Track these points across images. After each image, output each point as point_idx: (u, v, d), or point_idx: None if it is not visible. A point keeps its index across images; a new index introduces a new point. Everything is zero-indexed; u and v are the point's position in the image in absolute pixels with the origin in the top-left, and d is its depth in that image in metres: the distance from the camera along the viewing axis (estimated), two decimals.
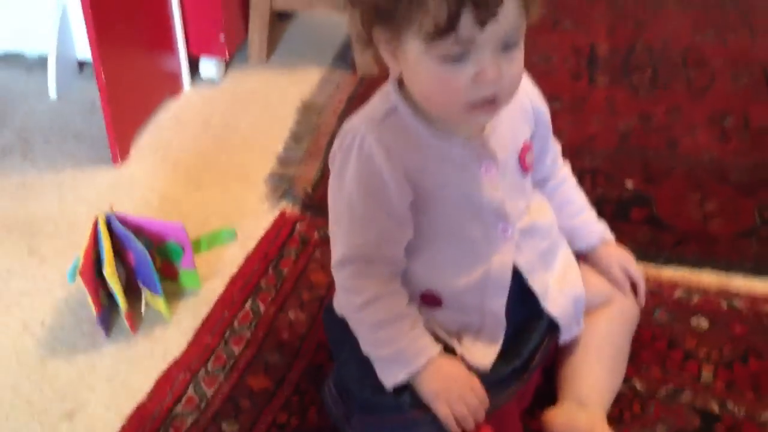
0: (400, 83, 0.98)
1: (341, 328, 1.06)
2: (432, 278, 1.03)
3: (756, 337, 1.23)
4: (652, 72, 1.91)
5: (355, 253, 0.99)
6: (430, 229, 1.00)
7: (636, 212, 1.49)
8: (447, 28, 0.84)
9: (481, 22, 0.84)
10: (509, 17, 0.86)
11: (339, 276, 1.02)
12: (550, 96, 1.11)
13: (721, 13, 2.14)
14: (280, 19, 2.08)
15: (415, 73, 0.91)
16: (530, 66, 0.95)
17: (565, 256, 1.12)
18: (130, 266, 1.29)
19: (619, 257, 1.16)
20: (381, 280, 0.99)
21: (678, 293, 1.31)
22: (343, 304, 1.05)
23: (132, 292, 1.29)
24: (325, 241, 1.41)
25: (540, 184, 1.14)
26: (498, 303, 1.04)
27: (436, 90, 0.91)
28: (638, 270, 1.16)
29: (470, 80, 0.88)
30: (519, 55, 0.91)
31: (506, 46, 0.88)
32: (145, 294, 1.28)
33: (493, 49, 0.87)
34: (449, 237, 1.01)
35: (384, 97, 0.99)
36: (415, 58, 0.89)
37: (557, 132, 1.15)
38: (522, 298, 1.05)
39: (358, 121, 0.99)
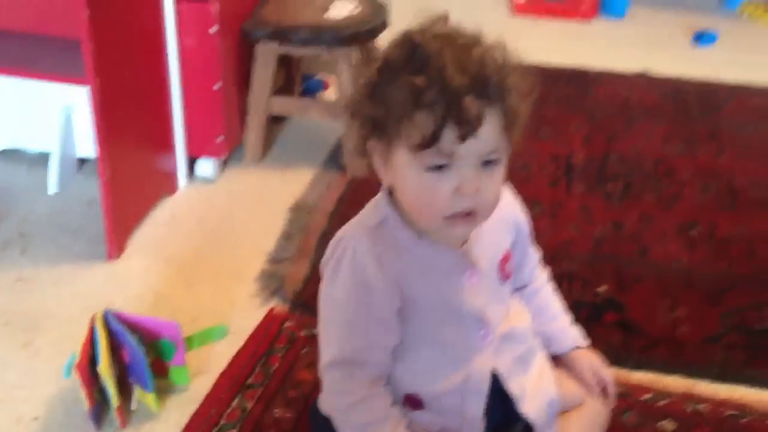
0: (391, 194, 1.06)
1: (327, 426, 1.11)
2: (414, 381, 1.09)
3: None
4: (624, 182, 2.02)
5: (344, 356, 1.05)
6: (414, 335, 1.06)
7: (608, 316, 1.57)
8: (431, 140, 0.93)
9: (462, 138, 0.93)
10: (489, 136, 0.95)
11: (327, 377, 1.07)
12: (530, 201, 1.19)
13: (691, 128, 2.26)
14: (275, 121, 2.18)
15: (402, 181, 1.00)
16: (511, 173, 1.03)
17: (540, 360, 1.18)
18: (124, 362, 1.34)
19: (591, 362, 1.22)
20: (367, 382, 1.05)
21: (646, 396, 1.38)
22: (329, 404, 1.10)
23: (123, 387, 1.34)
24: (312, 340, 1.48)
25: (519, 289, 1.21)
26: (477, 407, 1.09)
27: (420, 198, 0.98)
28: (609, 375, 1.22)
29: (451, 192, 0.96)
30: (499, 172, 0.99)
31: (487, 163, 0.97)
32: (137, 390, 1.33)
33: (473, 165, 0.95)
34: (432, 342, 1.07)
35: (375, 207, 1.07)
36: (402, 167, 0.98)
37: (536, 235, 1.23)
38: (500, 401, 1.11)
39: (351, 229, 1.07)
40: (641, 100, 2.42)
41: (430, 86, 0.93)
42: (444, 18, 1.00)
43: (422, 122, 0.93)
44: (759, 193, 1.97)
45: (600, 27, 3.00)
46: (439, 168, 0.95)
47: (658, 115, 2.33)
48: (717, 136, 2.22)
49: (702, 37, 2.82)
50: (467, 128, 0.93)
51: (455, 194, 0.96)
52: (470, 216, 0.98)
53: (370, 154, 1.02)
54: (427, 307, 1.06)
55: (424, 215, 1.00)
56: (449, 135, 0.93)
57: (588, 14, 3.02)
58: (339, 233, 1.08)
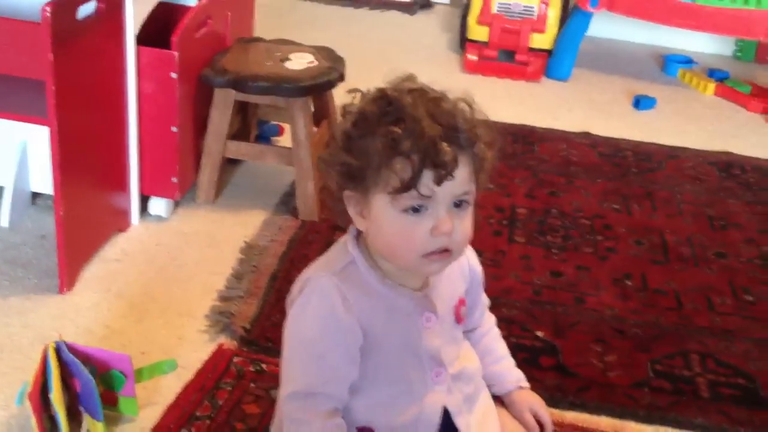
0: (357, 238, 1.13)
1: None
2: (369, 415, 1.14)
3: None
4: (564, 234, 2.11)
5: (306, 388, 1.10)
6: (372, 371, 1.12)
7: (545, 360, 1.64)
8: (410, 184, 1.01)
9: (439, 180, 1.01)
10: (462, 179, 1.03)
11: (287, 408, 1.11)
12: (474, 249, 1.27)
13: (627, 186, 2.37)
14: (229, 164, 2.23)
15: (379, 225, 1.06)
16: (474, 224, 1.11)
17: (485, 399, 1.25)
18: (75, 392, 1.36)
19: (531, 402, 1.29)
20: (325, 413, 1.09)
21: None
22: None
23: (73, 416, 1.36)
24: (260, 376, 1.52)
25: (469, 332, 1.28)
26: None
27: (397, 240, 1.05)
28: (547, 414, 1.29)
29: (428, 232, 1.03)
30: (470, 214, 1.08)
31: (458, 204, 1.05)
32: (86, 419, 1.35)
33: (447, 206, 1.03)
34: (389, 379, 1.13)
35: (343, 249, 1.14)
36: (379, 212, 1.05)
37: None
38: None
39: (319, 269, 1.13)
40: (582, 158, 2.53)
41: (407, 135, 1.01)
42: (411, 77, 1.09)
43: (400, 168, 1.01)
44: (688, 250, 2.07)
45: (545, 88, 3.12)
46: (415, 210, 1.03)
47: (598, 173, 2.44)
48: (652, 195, 2.33)
49: (641, 102, 2.96)
50: (444, 171, 1.01)
51: (431, 234, 1.03)
52: (445, 253, 1.06)
53: (345, 203, 1.09)
54: (388, 345, 1.12)
55: (401, 255, 1.07)
56: (427, 178, 1.01)
57: (534, 75, 3.16)
58: (306, 272, 1.13)
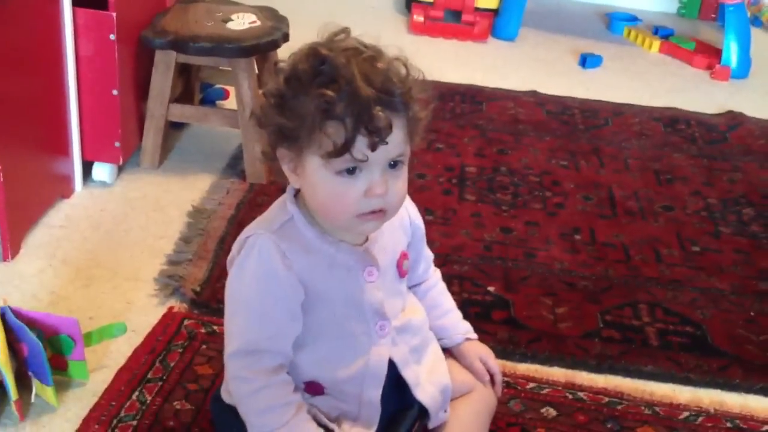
0: (296, 195, 1.11)
1: (229, 415, 1.15)
2: (316, 369, 1.14)
3: (596, 425, 1.39)
4: (513, 191, 2.12)
5: (248, 346, 1.09)
6: (316, 326, 1.12)
7: (497, 314, 1.65)
8: (343, 149, 0.99)
9: (373, 146, 1.00)
10: (396, 142, 1.02)
11: (231, 366, 1.11)
12: (424, 209, 1.27)
13: (574, 143, 2.39)
14: (174, 127, 2.19)
15: (313, 185, 1.05)
16: (408, 182, 1.10)
17: (434, 350, 1.25)
18: (22, 357, 1.33)
19: (480, 352, 1.30)
20: (269, 370, 1.09)
21: (531, 386, 1.46)
22: (233, 391, 1.13)
23: (22, 381, 1.33)
24: (211, 337, 1.50)
25: (414, 287, 1.28)
26: (374, 393, 1.15)
27: (331, 201, 1.04)
28: (496, 363, 1.30)
29: (362, 194, 1.03)
30: (404, 173, 1.06)
31: (393, 165, 1.04)
32: (35, 384, 1.32)
33: (381, 168, 1.02)
34: (333, 333, 1.13)
35: (281, 206, 1.13)
36: (313, 173, 1.04)
37: (430, 241, 1.30)
38: (396, 388, 1.17)
39: (257, 227, 1.12)
40: (530, 116, 2.54)
41: (341, 98, 0.99)
42: (346, 32, 1.06)
43: (334, 132, 0.99)
44: (635, 204, 2.10)
45: (492, 48, 3.12)
46: (350, 172, 1.02)
47: (545, 130, 2.45)
48: (599, 151, 2.35)
49: (587, 60, 2.98)
50: (378, 137, 0.99)
51: (366, 195, 1.03)
52: (380, 213, 1.05)
53: (279, 160, 1.08)
54: (330, 301, 1.11)
55: (335, 215, 1.06)
56: (361, 143, 0.99)
57: (481, 36, 3.15)
58: (245, 231, 1.12)
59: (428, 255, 1.30)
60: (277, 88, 1.05)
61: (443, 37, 3.14)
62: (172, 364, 1.44)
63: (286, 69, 1.05)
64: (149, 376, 1.41)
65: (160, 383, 1.39)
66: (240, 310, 1.11)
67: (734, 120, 2.60)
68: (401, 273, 1.19)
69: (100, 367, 1.43)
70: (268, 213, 1.14)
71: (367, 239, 1.13)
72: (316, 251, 1.09)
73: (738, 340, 1.63)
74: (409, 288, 1.26)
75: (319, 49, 1.03)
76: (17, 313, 1.33)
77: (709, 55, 3.04)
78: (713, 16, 3.47)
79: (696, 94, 2.82)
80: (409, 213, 1.22)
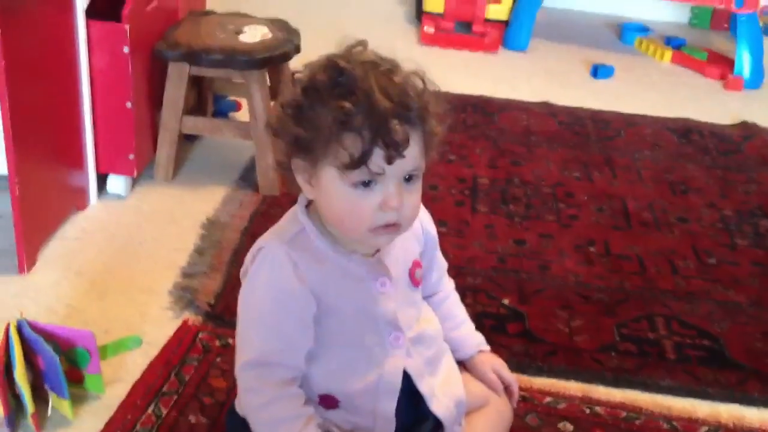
0: (308, 206, 1.11)
1: (244, 428, 1.14)
2: (329, 382, 1.13)
3: None
4: (526, 203, 2.11)
5: (260, 358, 1.09)
6: (329, 338, 1.11)
7: (511, 327, 1.64)
8: (359, 162, 0.99)
9: (389, 160, 1.00)
10: (412, 156, 1.02)
11: (243, 378, 1.11)
12: (437, 221, 1.26)
13: (587, 154, 2.38)
14: (187, 140, 2.19)
15: (328, 197, 1.05)
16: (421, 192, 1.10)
17: (448, 362, 1.24)
18: (39, 370, 1.33)
19: (494, 363, 1.29)
20: (280, 383, 1.09)
21: (547, 400, 1.45)
22: (244, 404, 1.13)
23: (38, 394, 1.33)
24: (226, 350, 1.50)
25: (428, 297, 1.27)
26: (389, 406, 1.14)
27: (346, 213, 1.04)
28: (511, 374, 1.29)
29: (376, 207, 1.02)
30: (419, 187, 1.06)
31: (408, 179, 1.04)
32: (52, 397, 1.33)
33: (397, 181, 1.02)
34: (346, 345, 1.12)
35: (293, 217, 1.12)
36: (328, 184, 1.04)
37: (443, 253, 1.29)
38: (410, 400, 1.16)
39: (269, 238, 1.11)
40: (542, 127, 2.53)
41: (358, 110, 0.98)
42: (363, 44, 1.06)
43: (351, 144, 0.99)
44: (650, 215, 2.09)
45: (503, 59, 3.12)
46: (365, 184, 1.02)
47: (558, 142, 2.45)
48: (611, 162, 2.35)
49: (599, 70, 2.98)
50: (395, 150, 0.99)
51: (380, 208, 1.02)
52: (394, 227, 1.05)
53: (293, 171, 1.07)
54: (343, 312, 1.11)
55: (349, 228, 1.06)
56: (377, 156, 0.99)
57: (492, 46, 3.15)
58: (258, 242, 1.12)
59: (442, 263, 1.29)
60: (294, 99, 1.04)
61: (454, 48, 3.15)
62: (187, 377, 1.43)
63: (304, 80, 1.05)
64: (164, 389, 1.41)
65: (175, 396, 1.39)
66: (252, 322, 1.11)
67: (748, 131, 2.59)
68: (414, 282, 1.19)
69: (116, 380, 1.43)
70: (280, 224, 1.14)
71: (379, 249, 1.13)
72: (328, 262, 1.09)
73: (756, 353, 1.62)
74: (423, 298, 1.25)
75: (337, 60, 1.03)
76: (33, 326, 1.33)
77: (722, 65, 3.03)
78: (725, 25, 3.46)
79: (709, 104, 2.81)
80: (422, 221, 1.21)
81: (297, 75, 1.06)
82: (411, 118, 1.01)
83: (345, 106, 0.99)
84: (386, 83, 1.01)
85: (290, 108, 1.05)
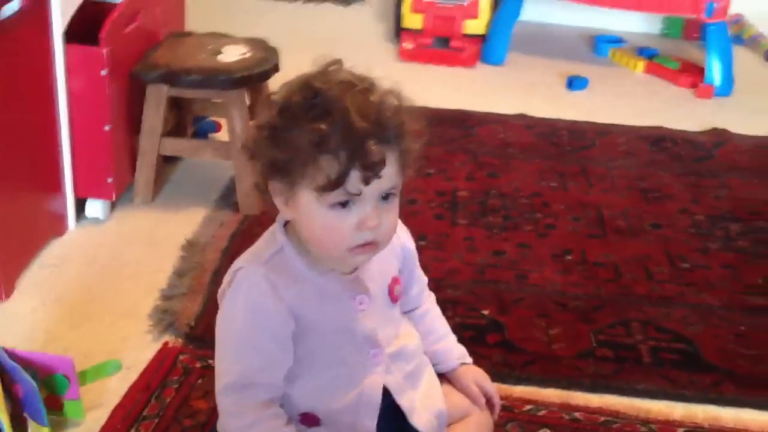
0: (286, 225, 1.12)
1: None
2: (310, 401, 1.14)
3: None
4: (504, 214, 2.13)
5: (239, 380, 1.09)
6: (308, 357, 1.12)
7: (491, 337, 1.66)
8: (336, 184, 1.00)
9: (366, 180, 1.01)
10: (389, 175, 1.03)
11: (222, 401, 1.11)
12: (417, 235, 1.27)
13: (563, 164, 2.41)
14: (167, 161, 2.20)
15: (306, 218, 1.06)
16: (399, 207, 1.11)
17: (429, 375, 1.25)
18: (17, 398, 1.33)
19: (476, 376, 1.30)
20: (262, 404, 1.09)
21: (527, 408, 1.47)
22: (226, 427, 1.13)
23: (17, 422, 1.33)
24: (206, 371, 1.51)
25: (408, 312, 1.29)
26: (370, 422, 1.15)
27: (324, 233, 1.05)
28: (492, 386, 1.30)
29: (354, 226, 1.03)
30: (396, 205, 1.07)
31: (386, 197, 1.05)
32: (31, 425, 1.32)
33: (374, 201, 1.03)
34: (326, 363, 1.13)
35: (271, 238, 1.13)
36: (306, 206, 1.04)
37: (423, 266, 1.30)
38: (392, 415, 1.17)
39: (247, 258, 1.12)
40: (519, 139, 2.56)
41: (334, 132, 0.99)
42: (339, 63, 1.07)
43: (327, 166, 1.00)
44: (624, 223, 2.12)
45: (481, 73, 3.15)
46: (342, 205, 1.02)
47: (534, 153, 2.47)
48: (587, 171, 2.38)
49: (574, 82, 3.01)
50: (372, 171, 1.00)
51: (358, 228, 1.03)
52: (372, 245, 1.06)
53: (270, 192, 1.08)
54: (322, 330, 1.12)
55: (328, 248, 1.07)
56: (354, 177, 1.00)
57: (470, 61, 3.18)
58: (235, 264, 1.13)
59: (422, 278, 1.30)
60: (270, 121, 1.05)
61: (432, 64, 3.17)
62: (167, 400, 1.44)
63: (280, 101, 1.05)
64: (145, 413, 1.41)
65: (156, 420, 1.40)
66: (230, 343, 1.11)
67: (719, 137, 2.62)
68: (393, 299, 1.20)
69: (96, 406, 1.43)
70: (258, 244, 1.15)
71: (356, 267, 1.14)
72: (306, 281, 1.10)
73: (729, 355, 1.65)
74: (404, 313, 1.26)
75: (312, 81, 1.03)
76: (11, 354, 1.34)
77: (693, 74, 3.07)
78: (696, 35, 3.50)
79: (681, 112, 2.84)
80: (400, 237, 1.22)
81: (273, 96, 1.07)
82: (387, 137, 1.02)
83: (321, 128, 0.99)
84: (362, 103, 1.01)
85: (266, 130, 1.05)
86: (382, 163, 1.00)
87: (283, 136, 1.03)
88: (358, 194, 1.01)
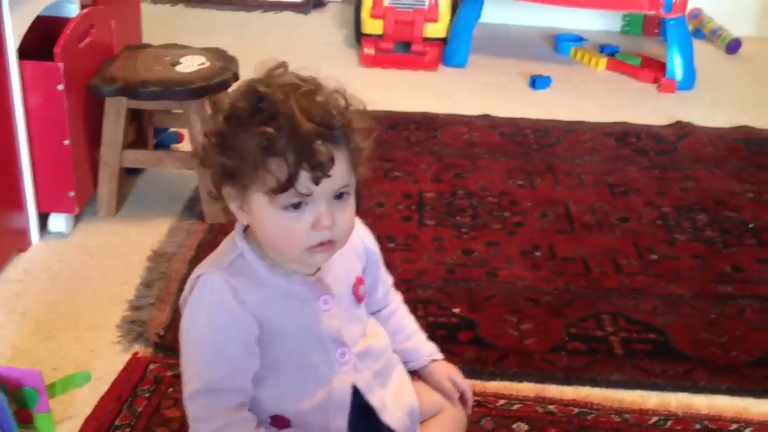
0: (245, 230, 1.12)
1: None
2: (279, 403, 1.13)
3: None
4: (472, 213, 2.14)
5: (206, 385, 1.08)
6: (275, 359, 1.11)
7: (463, 335, 1.66)
8: (286, 185, 1.00)
9: (316, 180, 1.00)
10: (340, 174, 1.03)
11: (191, 407, 1.10)
12: (385, 237, 1.27)
13: (529, 163, 2.42)
14: (129, 173, 2.18)
15: (260, 222, 1.05)
16: (366, 211, 1.11)
17: (399, 373, 1.25)
18: None
19: (448, 371, 1.30)
20: (230, 408, 1.09)
21: (501, 403, 1.47)
22: None
23: None
24: (177, 380, 1.48)
25: (376, 312, 1.28)
26: (341, 422, 1.14)
27: (279, 236, 1.05)
28: (465, 381, 1.30)
29: (309, 227, 1.03)
30: (350, 203, 1.07)
31: (339, 196, 1.04)
32: None
33: (327, 200, 1.03)
34: (293, 365, 1.12)
35: (231, 243, 1.13)
36: (259, 209, 1.04)
37: (393, 268, 1.31)
38: (363, 414, 1.16)
39: (207, 265, 1.11)
40: (484, 139, 2.57)
41: (281, 134, 0.99)
42: (284, 66, 1.06)
43: (276, 169, 1.00)
44: (592, 218, 2.13)
45: (443, 75, 3.16)
46: (295, 206, 1.02)
47: (500, 152, 2.48)
48: (553, 169, 2.39)
49: (537, 81, 3.03)
50: (321, 171, 1.00)
51: (313, 228, 1.03)
52: (329, 244, 1.06)
53: (224, 198, 1.08)
54: (287, 333, 1.11)
55: (285, 250, 1.06)
56: (304, 178, 1.00)
57: (432, 64, 3.19)
58: (196, 270, 1.12)
59: (387, 279, 1.30)
60: (217, 128, 1.05)
61: (395, 68, 3.18)
62: (139, 410, 1.42)
63: (225, 108, 1.05)
64: (117, 423, 1.39)
65: (128, 430, 1.38)
66: (195, 350, 1.10)
67: (683, 130, 2.65)
68: (358, 299, 1.19)
69: (67, 418, 1.41)
70: (218, 250, 1.14)
71: (319, 268, 1.13)
72: (269, 285, 1.10)
73: (701, 343, 1.66)
74: (372, 314, 1.26)
75: (256, 86, 1.03)
76: None
77: (655, 69, 3.10)
78: (656, 31, 3.55)
79: (644, 107, 2.87)
80: (362, 238, 1.22)
81: (218, 104, 1.06)
82: (335, 137, 1.02)
83: (267, 132, 0.99)
84: (307, 104, 1.01)
85: (214, 137, 1.05)
86: (330, 162, 1.00)
87: (231, 143, 1.03)
88: (309, 194, 1.01)
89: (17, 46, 1.81)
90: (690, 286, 1.84)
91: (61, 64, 1.86)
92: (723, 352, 1.64)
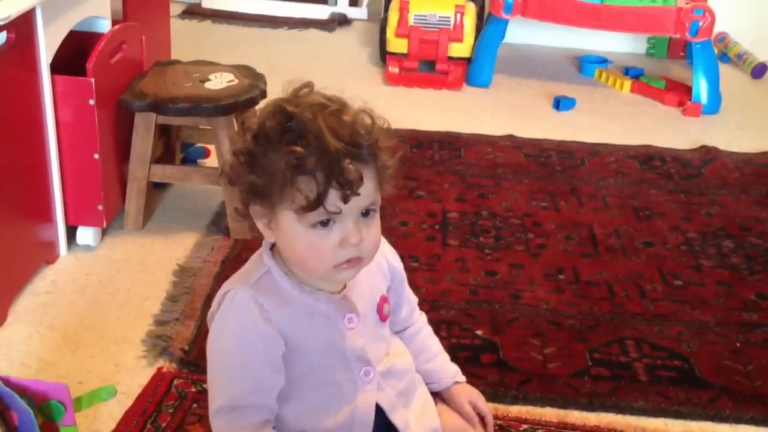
0: (272, 248, 1.13)
1: None
2: (303, 421, 1.14)
3: None
4: (495, 234, 2.14)
5: (232, 402, 1.09)
6: (299, 377, 1.12)
7: (486, 357, 1.66)
8: (316, 203, 1.01)
9: (345, 199, 1.02)
10: (367, 192, 1.04)
11: (216, 424, 1.11)
12: (408, 256, 1.28)
13: (553, 184, 2.42)
14: (156, 188, 2.20)
15: (288, 240, 1.07)
16: (391, 230, 1.12)
17: (422, 393, 1.26)
18: (13, 425, 1.32)
19: (470, 395, 1.30)
20: (255, 425, 1.09)
21: (523, 428, 1.47)
22: None
23: None
24: (201, 395, 1.50)
25: (400, 332, 1.29)
26: None
27: (308, 253, 1.06)
28: (486, 405, 1.30)
29: (336, 244, 1.04)
30: (376, 220, 1.08)
31: (366, 213, 1.06)
32: None
33: (354, 218, 1.04)
34: (317, 383, 1.13)
35: (258, 260, 1.14)
36: (287, 227, 1.05)
37: (416, 287, 1.31)
38: None
39: (234, 282, 1.13)
40: (508, 160, 2.57)
41: (310, 153, 1.00)
42: (310, 86, 1.08)
43: (306, 187, 1.01)
44: (616, 241, 2.13)
45: (467, 95, 3.17)
46: (323, 224, 1.03)
47: (524, 173, 2.49)
48: (577, 191, 2.39)
49: (561, 102, 3.03)
50: (350, 189, 1.01)
51: (341, 246, 1.04)
52: (356, 260, 1.07)
53: (252, 216, 1.09)
54: (312, 350, 1.12)
55: (312, 267, 1.08)
56: (333, 196, 1.01)
57: (456, 84, 3.20)
58: (223, 287, 1.13)
59: (411, 298, 1.31)
60: (246, 147, 1.06)
61: (419, 87, 3.19)
62: (163, 425, 1.43)
63: (254, 127, 1.06)
64: None
65: None
66: (221, 366, 1.11)
67: (708, 154, 2.64)
68: (382, 317, 1.20)
69: None
70: (246, 267, 1.15)
71: (344, 286, 1.14)
72: (295, 302, 1.11)
73: (725, 371, 1.65)
74: (396, 333, 1.27)
75: (284, 105, 1.04)
76: (6, 381, 1.32)
77: (680, 93, 3.10)
78: (681, 54, 3.55)
79: (669, 131, 2.87)
80: (387, 257, 1.23)
81: (247, 123, 1.08)
82: (362, 155, 1.03)
83: (297, 151, 1.01)
84: (335, 124, 1.03)
85: (243, 156, 1.06)
86: (359, 180, 1.02)
87: (261, 161, 1.04)
88: (338, 212, 1.02)
89: (50, 61, 1.84)
90: (714, 313, 1.84)
91: (92, 80, 1.88)
92: (748, 380, 1.63)
